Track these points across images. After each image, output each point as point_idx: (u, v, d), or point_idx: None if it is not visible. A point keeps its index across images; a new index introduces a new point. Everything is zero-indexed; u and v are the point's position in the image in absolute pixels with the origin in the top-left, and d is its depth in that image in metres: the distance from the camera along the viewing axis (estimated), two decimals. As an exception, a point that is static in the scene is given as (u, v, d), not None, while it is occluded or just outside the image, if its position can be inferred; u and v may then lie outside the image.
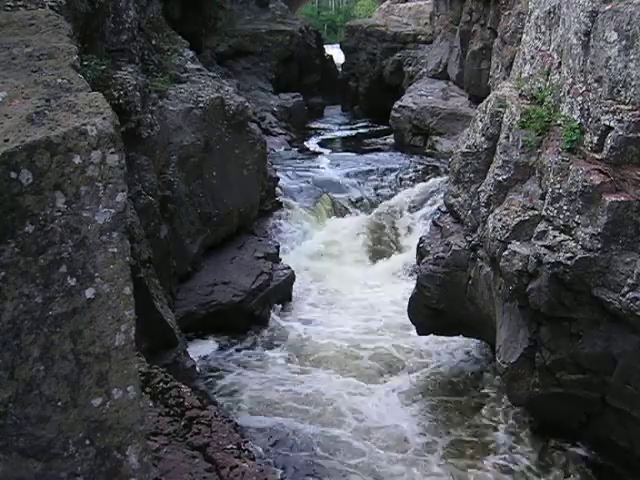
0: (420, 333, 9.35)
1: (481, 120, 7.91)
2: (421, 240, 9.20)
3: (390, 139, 19.05)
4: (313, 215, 13.74)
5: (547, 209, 6.49)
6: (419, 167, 15.55)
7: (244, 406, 8.37)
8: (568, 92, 6.54)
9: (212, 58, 18.75)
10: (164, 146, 9.53)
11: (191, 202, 10.26)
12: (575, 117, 6.39)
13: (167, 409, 4.02)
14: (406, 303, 9.31)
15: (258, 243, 11.74)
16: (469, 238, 8.03)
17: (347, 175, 15.30)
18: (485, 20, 15.50)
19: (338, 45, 25.77)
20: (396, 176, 15.16)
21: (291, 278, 11.38)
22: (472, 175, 8.01)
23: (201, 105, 10.44)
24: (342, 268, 12.54)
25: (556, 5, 7.09)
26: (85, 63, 6.68)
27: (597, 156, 6.10)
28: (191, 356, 7.50)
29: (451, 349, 9.64)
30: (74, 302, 2.42)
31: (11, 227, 2.29)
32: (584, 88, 6.27)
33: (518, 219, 6.81)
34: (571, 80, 6.49)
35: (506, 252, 6.79)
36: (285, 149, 17.51)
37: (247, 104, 11.76)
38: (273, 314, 10.79)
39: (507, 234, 6.85)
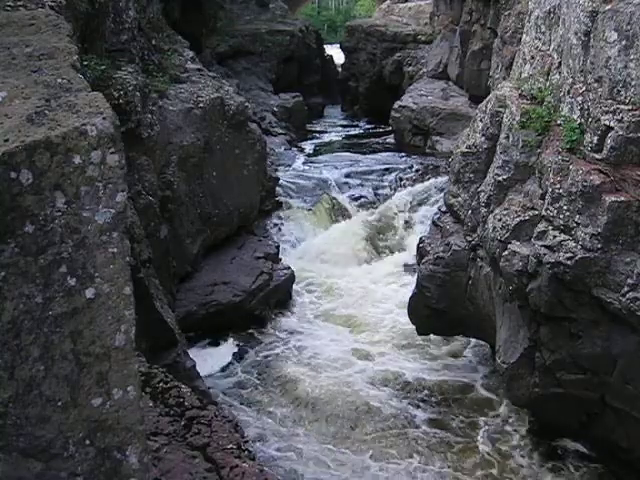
0: (420, 333, 9.35)
1: (481, 120, 7.91)
2: (421, 240, 9.20)
3: (390, 139, 19.04)
4: (313, 215, 13.74)
5: (547, 209, 6.49)
6: (419, 167, 15.54)
7: (243, 406, 8.37)
8: (568, 92, 6.54)
9: (212, 58, 18.75)
10: (164, 146, 9.52)
11: (191, 202, 10.26)
12: (575, 117, 6.39)
13: (167, 409, 4.02)
14: (406, 303, 9.32)
15: (258, 243, 11.74)
16: (469, 238, 8.03)
17: (347, 175, 15.29)
18: (485, 20, 15.50)
19: (338, 45, 25.77)
20: (396, 176, 15.15)
21: (291, 278, 11.38)
22: (472, 175, 8.01)
23: (201, 105, 10.44)
24: (342, 268, 12.54)
25: (556, 5, 7.09)
26: (85, 63, 6.68)
27: (597, 156, 6.10)
28: (191, 356, 7.50)
29: (451, 349, 9.63)
30: (74, 302, 2.42)
31: (11, 227, 2.29)
32: (584, 88, 6.27)
33: (518, 219, 6.81)
34: (571, 80, 6.49)
35: (506, 252, 6.80)
36: (285, 149, 17.51)
37: (247, 104, 11.77)
38: (273, 314, 10.78)
39: (507, 234, 6.85)
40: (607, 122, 5.95)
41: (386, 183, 14.92)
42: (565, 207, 6.27)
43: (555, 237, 6.34)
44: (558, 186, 6.34)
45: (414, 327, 9.39)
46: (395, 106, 18.03)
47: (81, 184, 2.39)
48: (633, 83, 5.76)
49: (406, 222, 13.55)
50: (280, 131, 18.52)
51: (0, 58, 2.75)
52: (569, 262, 6.16)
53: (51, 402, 2.42)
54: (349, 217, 13.91)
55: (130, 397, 2.56)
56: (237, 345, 9.94)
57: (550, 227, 6.44)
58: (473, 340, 9.45)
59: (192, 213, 10.28)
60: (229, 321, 10.10)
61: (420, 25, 21.89)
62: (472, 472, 7.19)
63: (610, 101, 5.94)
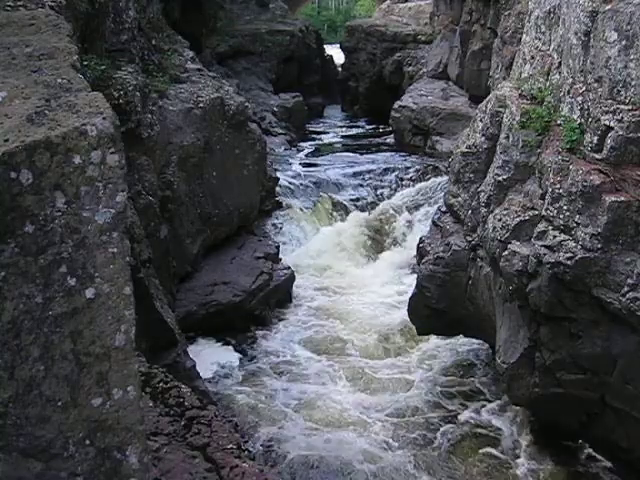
0: (420, 333, 9.35)
1: (481, 120, 7.91)
2: (421, 240, 9.19)
3: (390, 139, 19.04)
4: (313, 215, 13.74)
5: (547, 209, 6.49)
6: (419, 167, 15.55)
7: (243, 406, 8.36)
8: (568, 92, 6.54)
9: (212, 58, 18.75)
10: (164, 146, 9.52)
11: (191, 202, 10.26)
12: (575, 117, 6.39)
13: (167, 409, 4.01)
14: (406, 302, 9.31)
15: (258, 243, 11.74)
16: (469, 238, 8.03)
17: (347, 175, 15.29)
18: (485, 20, 15.51)
19: (338, 45, 25.78)
20: (396, 176, 15.15)
21: (291, 278, 11.38)
22: (472, 175, 8.01)
23: (201, 105, 10.44)
24: (342, 268, 12.54)
25: (556, 5, 7.09)
26: (85, 63, 6.68)
27: (597, 156, 6.10)
28: (191, 356, 7.49)
29: (452, 349, 9.63)
30: (74, 302, 2.42)
31: (11, 227, 2.29)
32: (584, 88, 6.27)
33: (518, 219, 6.81)
34: (571, 80, 6.49)
35: (506, 252, 6.79)
36: (285, 149, 17.50)
37: (247, 104, 11.77)
38: (273, 314, 10.78)
39: (507, 234, 6.84)
40: (607, 122, 5.95)
41: (386, 183, 14.92)
42: (565, 207, 6.27)
43: (555, 237, 6.34)
44: (558, 186, 6.34)
45: (414, 328, 9.38)
46: (395, 106, 18.03)
47: (81, 184, 2.39)
48: (633, 83, 5.76)
49: (406, 222, 13.55)
50: (280, 131, 18.52)
51: (0, 58, 2.75)
52: (569, 262, 6.16)
53: (51, 402, 2.42)
54: (349, 217, 13.91)
55: (130, 397, 2.56)
56: (237, 345, 9.94)
57: (550, 227, 6.44)
58: (472, 339, 9.44)
59: (192, 213, 10.28)
60: (229, 321, 10.10)
61: (420, 25, 21.89)
62: (470, 471, 7.18)
63: (610, 101, 5.94)
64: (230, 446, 3.72)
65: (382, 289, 11.78)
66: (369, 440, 7.67)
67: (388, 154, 17.38)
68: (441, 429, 7.94)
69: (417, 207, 13.83)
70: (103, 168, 2.43)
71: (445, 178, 13.10)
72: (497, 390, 8.45)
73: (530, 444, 7.55)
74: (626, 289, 5.89)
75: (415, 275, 9.53)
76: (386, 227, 13.54)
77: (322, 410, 8.30)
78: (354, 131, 21.58)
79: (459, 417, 8.17)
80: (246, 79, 20.34)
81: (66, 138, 2.36)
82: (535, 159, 6.90)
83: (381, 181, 15.02)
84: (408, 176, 15.10)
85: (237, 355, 9.68)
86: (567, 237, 6.25)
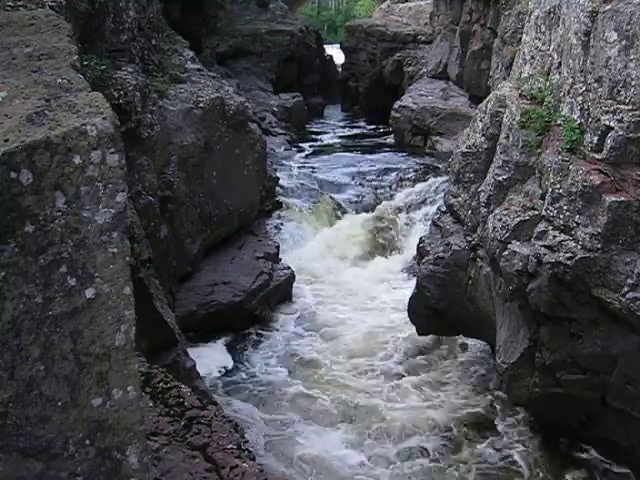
0: (420, 333, 9.35)
1: (481, 120, 7.91)
2: (421, 240, 9.20)
3: (390, 139, 19.05)
4: (313, 215, 13.74)
5: (547, 209, 6.49)
6: (419, 167, 15.55)
7: (241, 405, 8.35)
8: (568, 92, 6.54)
9: (212, 58, 18.75)
10: (164, 146, 9.52)
11: (191, 202, 10.26)
12: (575, 117, 6.39)
13: (167, 409, 4.01)
14: (406, 303, 9.31)
15: (258, 243, 11.74)
16: (469, 238, 8.03)
17: (347, 175, 15.29)
18: (485, 20, 15.52)
19: (338, 45, 25.79)
20: (396, 176, 15.15)
21: (291, 278, 11.37)
22: (472, 175, 8.01)
23: (201, 105, 10.44)
24: (342, 268, 12.53)
25: (556, 5, 7.09)
26: (85, 63, 6.67)
27: (597, 156, 6.10)
28: (191, 356, 7.48)
29: (452, 349, 9.62)
30: (74, 302, 2.41)
31: (11, 227, 2.29)
32: (584, 88, 6.27)
33: (518, 219, 6.81)
34: (571, 80, 6.49)
35: (506, 252, 6.80)
36: (285, 149, 17.50)
37: (247, 104, 11.77)
38: (273, 314, 10.76)
39: (507, 234, 6.85)
40: (607, 122, 5.95)
41: (386, 183, 14.92)
42: (565, 207, 6.27)
43: (555, 237, 6.35)
44: (558, 186, 6.34)
45: (410, 324, 9.37)
46: (395, 106, 18.04)
47: (81, 184, 2.39)
48: (633, 83, 5.77)
49: (406, 222, 13.55)
50: (280, 131, 18.53)
51: (0, 58, 2.75)
52: (569, 262, 6.16)
53: (51, 402, 2.42)
54: (349, 217, 13.91)
55: (130, 397, 2.55)
56: (237, 345, 9.93)
57: (550, 227, 6.44)
58: (472, 339, 9.43)
59: (192, 213, 10.28)
60: (229, 321, 10.09)
61: (420, 25, 21.90)
62: (470, 472, 7.18)
63: (610, 101, 5.94)
64: (230, 446, 3.71)
65: (382, 290, 11.76)
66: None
67: (388, 154, 17.38)
68: (457, 474, 7.15)
69: (417, 207, 13.82)
70: (103, 168, 2.43)
71: (445, 178, 13.09)
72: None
73: (527, 443, 7.51)
74: (626, 289, 5.90)
75: (415, 275, 9.51)
76: (386, 227, 13.53)
77: (316, 403, 7.96)
78: (354, 131, 21.59)
79: (475, 454, 7.46)
80: (246, 79, 20.35)
81: (66, 138, 2.35)
82: (535, 159, 6.90)
83: (381, 181, 15.02)
84: (408, 176, 15.10)
85: (237, 355, 9.62)
86: (567, 237, 6.26)
